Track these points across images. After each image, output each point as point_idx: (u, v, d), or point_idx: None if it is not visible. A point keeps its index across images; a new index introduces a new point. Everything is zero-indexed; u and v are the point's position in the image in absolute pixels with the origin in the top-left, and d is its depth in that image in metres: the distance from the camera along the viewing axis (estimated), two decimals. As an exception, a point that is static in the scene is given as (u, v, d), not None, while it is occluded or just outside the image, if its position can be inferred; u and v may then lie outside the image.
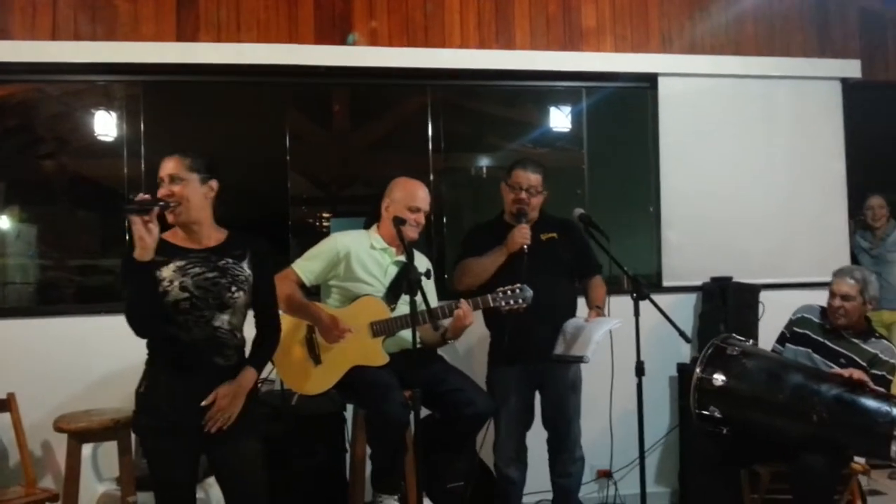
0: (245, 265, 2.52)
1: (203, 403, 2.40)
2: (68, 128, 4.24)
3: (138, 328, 2.38)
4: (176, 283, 2.41)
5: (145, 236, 2.29)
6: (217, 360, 2.46)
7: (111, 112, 4.09)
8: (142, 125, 3.99)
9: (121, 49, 3.80)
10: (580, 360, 3.21)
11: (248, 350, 2.59)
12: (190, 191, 2.44)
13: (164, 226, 2.45)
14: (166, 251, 2.44)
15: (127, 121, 4.03)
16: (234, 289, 2.47)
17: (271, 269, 2.67)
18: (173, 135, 4.16)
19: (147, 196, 2.34)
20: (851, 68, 4.51)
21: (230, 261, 2.50)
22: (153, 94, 4.03)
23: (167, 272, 2.41)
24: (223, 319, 2.46)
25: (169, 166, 2.45)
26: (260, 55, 3.90)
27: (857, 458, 3.28)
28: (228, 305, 2.47)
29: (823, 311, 3.34)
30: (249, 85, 4.19)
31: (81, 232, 4.52)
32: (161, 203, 2.35)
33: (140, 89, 4.01)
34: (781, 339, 3.45)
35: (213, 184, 2.50)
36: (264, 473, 2.60)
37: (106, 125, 4.11)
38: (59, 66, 3.82)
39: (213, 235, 2.54)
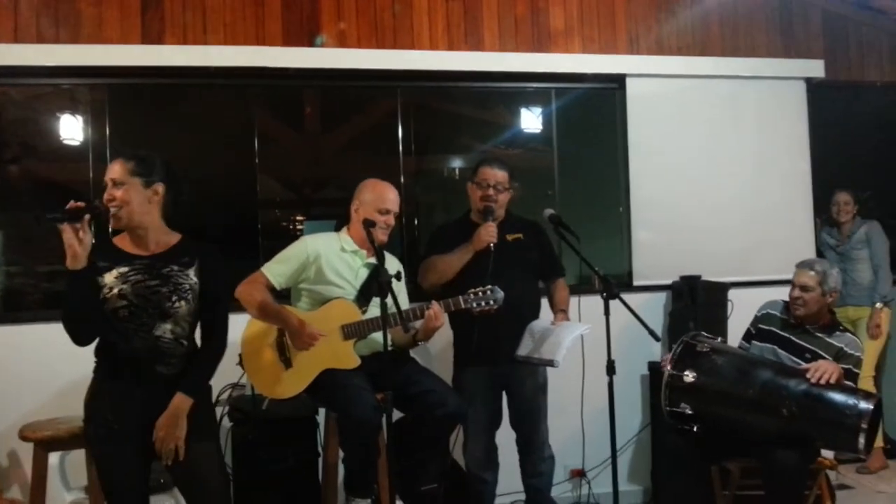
0: (191, 273, 2.47)
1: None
2: (33, 132, 4.17)
3: (73, 336, 2.39)
4: (115, 291, 2.38)
5: (74, 244, 2.26)
6: (160, 368, 2.43)
7: (77, 116, 4.04)
8: (107, 129, 3.93)
9: (85, 52, 3.75)
10: (550, 363, 3.23)
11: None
12: (132, 195, 2.39)
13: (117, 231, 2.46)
14: (111, 257, 2.42)
15: (92, 124, 3.98)
16: (174, 298, 2.42)
17: (223, 278, 2.59)
18: (140, 138, 4.11)
19: (80, 203, 2.29)
20: (815, 68, 4.59)
21: (175, 268, 2.45)
22: (119, 98, 3.98)
23: (109, 278, 2.39)
24: (165, 328, 2.42)
25: (112, 170, 2.42)
26: (227, 57, 3.86)
27: (825, 454, 3.33)
28: (169, 315, 2.42)
29: (787, 306, 3.39)
30: (216, 87, 4.16)
31: (48, 237, 4.44)
32: (92, 209, 2.30)
33: (105, 93, 3.96)
34: (747, 336, 3.49)
35: (159, 188, 2.44)
36: (223, 472, 2.58)
37: (71, 129, 4.05)
38: (21, 70, 3.75)
39: (162, 241, 2.49)
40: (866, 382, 4.43)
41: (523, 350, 3.31)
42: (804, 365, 3.12)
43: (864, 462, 4.55)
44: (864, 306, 4.63)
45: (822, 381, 2.97)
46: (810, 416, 2.97)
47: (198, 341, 2.57)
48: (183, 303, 2.43)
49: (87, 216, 2.27)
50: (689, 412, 3.13)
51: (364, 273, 3.18)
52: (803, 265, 3.35)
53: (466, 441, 3.48)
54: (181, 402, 2.42)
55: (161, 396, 2.42)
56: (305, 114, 4.79)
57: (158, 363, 2.42)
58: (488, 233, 3.30)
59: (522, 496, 3.65)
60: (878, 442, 4.55)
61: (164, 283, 2.42)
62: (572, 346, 3.27)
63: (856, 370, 3.17)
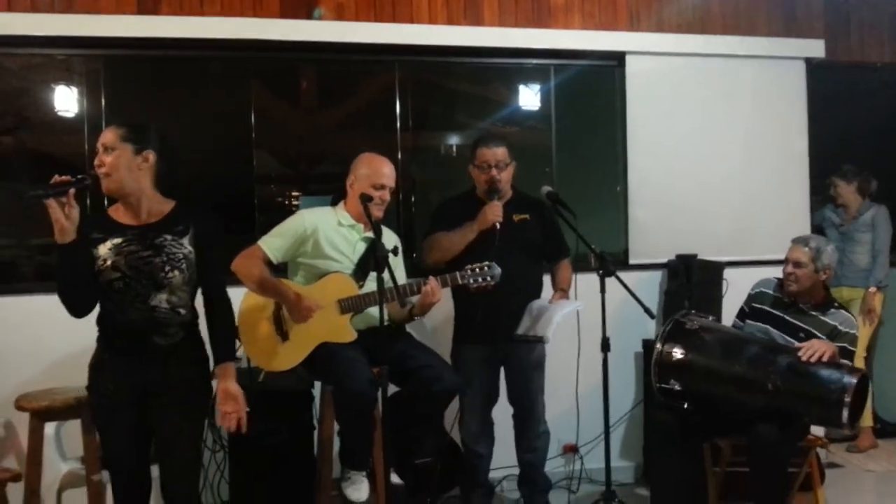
0: (185, 242, 2.46)
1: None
2: (28, 103, 4.14)
3: (69, 308, 2.42)
4: (109, 262, 2.38)
5: (61, 219, 2.26)
6: (157, 339, 2.43)
7: (72, 87, 4.00)
8: (103, 100, 3.91)
9: (79, 22, 3.70)
10: (540, 340, 3.25)
11: (196, 327, 2.57)
12: (121, 161, 2.39)
13: (113, 200, 2.50)
14: (105, 228, 2.43)
15: (88, 96, 3.94)
16: (167, 268, 2.41)
17: (219, 244, 2.59)
18: (135, 110, 4.08)
19: (65, 178, 2.27)
20: (815, 48, 4.56)
21: (168, 237, 2.44)
22: (114, 69, 3.94)
23: (103, 250, 2.40)
24: (161, 298, 2.41)
25: (104, 136, 2.43)
26: (224, 29, 3.82)
27: (814, 432, 3.36)
28: (163, 285, 2.41)
29: (780, 284, 3.39)
30: (213, 60, 4.12)
31: (42, 209, 4.43)
32: (77, 183, 2.28)
33: (101, 64, 3.92)
34: (741, 315, 3.50)
35: (149, 155, 2.43)
36: (197, 451, 2.63)
37: (66, 100, 4.02)
38: (15, 39, 3.71)
39: (155, 209, 2.48)
40: (857, 363, 4.46)
41: (521, 329, 3.32)
42: (797, 344, 3.14)
43: (853, 441, 4.61)
44: (858, 287, 4.65)
45: (814, 360, 2.99)
46: (795, 390, 3.00)
47: (198, 309, 2.58)
48: (177, 272, 2.42)
49: (71, 190, 2.26)
50: (678, 388, 3.17)
51: (361, 247, 3.18)
52: (798, 241, 3.35)
53: (462, 415, 3.50)
54: (224, 371, 2.51)
55: (160, 368, 2.44)
56: (302, 88, 4.75)
57: (156, 334, 2.42)
58: (494, 212, 3.28)
59: (517, 470, 3.68)
60: (868, 421, 4.60)
61: (157, 254, 2.41)
62: (563, 322, 3.28)
63: (851, 348, 3.17)
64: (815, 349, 3.02)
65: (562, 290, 3.48)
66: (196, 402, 2.56)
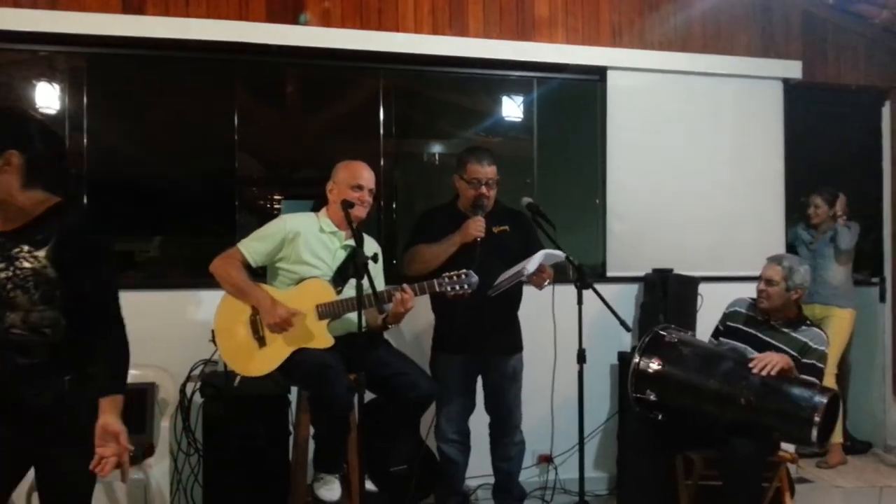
0: (41, 254, 2.05)
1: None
2: (8, 98, 4.10)
3: None
4: None
5: None
6: (19, 359, 2.07)
7: (54, 84, 3.97)
8: (85, 98, 3.88)
9: (63, 19, 3.68)
10: (519, 274, 3.20)
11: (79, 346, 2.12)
12: None
13: None
14: None
15: (70, 93, 3.92)
16: (9, 286, 2.03)
17: (93, 258, 2.12)
18: (117, 109, 4.06)
19: None
20: (793, 69, 4.65)
21: (25, 248, 2.05)
22: (97, 68, 3.92)
23: None
24: (13, 319, 2.05)
25: None
26: (208, 31, 3.82)
27: (785, 447, 3.41)
28: (13, 305, 2.05)
29: (754, 302, 3.45)
30: (197, 61, 4.11)
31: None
32: None
33: (84, 62, 3.90)
34: (716, 334, 3.55)
35: (11, 157, 2.03)
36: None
37: (48, 97, 3.98)
38: (-3, 34, 3.69)
39: (21, 215, 2.09)
40: (828, 380, 4.54)
41: (497, 281, 3.26)
42: (750, 356, 3.18)
43: (823, 457, 4.67)
44: (831, 306, 4.73)
45: (765, 373, 3.02)
46: (767, 406, 3.04)
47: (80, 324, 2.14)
48: (19, 292, 2.04)
49: None
50: (654, 399, 3.20)
51: (342, 255, 3.19)
52: (772, 259, 3.42)
53: (439, 423, 3.51)
54: (106, 405, 2.07)
55: (28, 390, 2.09)
56: (287, 92, 4.76)
57: (17, 354, 2.08)
58: (476, 227, 3.29)
59: (492, 479, 3.69)
60: (838, 438, 4.67)
61: (7, 267, 2.05)
62: (544, 260, 3.26)
63: (820, 365, 3.22)
64: (765, 361, 3.06)
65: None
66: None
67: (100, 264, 2.15)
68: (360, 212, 3.13)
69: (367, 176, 3.20)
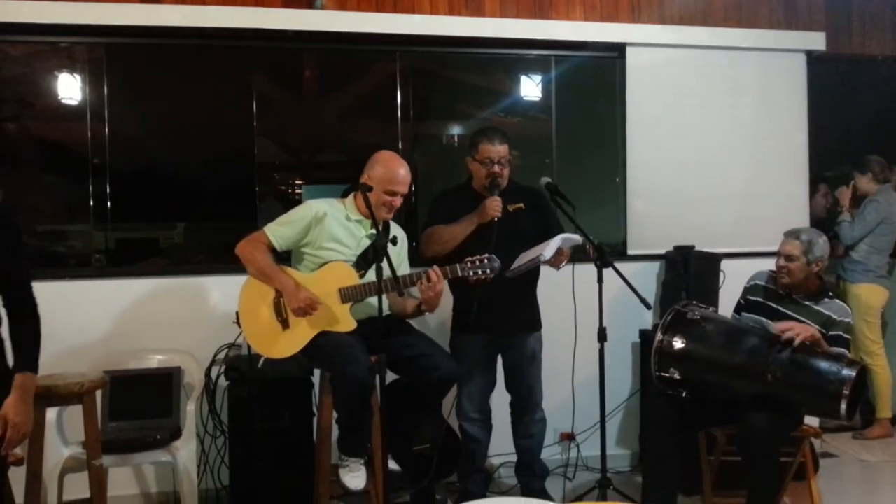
0: None
1: None
2: (31, 90, 4.16)
3: None
4: None
5: None
6: None
7: (74, 74, 4.02)
8: (105, 88, 3.93)
9: (82, 10, 3.71)
10: (536, 260, 3.20)
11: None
12: None
13: None
14: None
15: (90, 84, 3.97)
16: None
17: (15, 236, 2.21)
18: (137, 98, 4.10)
19: None
20: (816, 41, 4.56)
21: None
22: (117, 57, 3.96)
23: None
24: None
25: None
26: (225, 18, 3.83)
27: (808, 421, 3.39)
28: None
29: (773, 275, 3.41)
30: (214, 49, 4.13)
31: (46, 197, 4.47)
32: None
33: (103, 52, 3.94)
34: (738, 309, 3.51)
35: None
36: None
37: (70, 88, 4.04)
38: (18, 27, 3.72)
39: None
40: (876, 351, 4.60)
41: (514, 265, 3.26)
42: (774, 325, 3.14)
43: (861, 430, 4.64)
44: (860, 283, 4.68)
45: (797, 342, 2.98)
46: (794, 381, 3.01)
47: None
48: None
49: None
50: (678, 377, 3.19)
51: (366, 243, 3.18)
52: (790, 234, 3.34)
53: (460, 402, 3.54)
54: (28, 381, 2.13)
55: None
56: (304, 77, 4.78)
57: None
58: (494, 207, 3.29)
59: (514, 457, 3.72)
60: (886, 412, 4.63)
61: None
62: (561, 244, 3.25)
63: (846, 335, 3.17)
64: (793, 328, 3.03)
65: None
66: None
67: (19, 244, 2.22)
68: (386, 213, 3.14)
69: (404, 178, 3.15)
